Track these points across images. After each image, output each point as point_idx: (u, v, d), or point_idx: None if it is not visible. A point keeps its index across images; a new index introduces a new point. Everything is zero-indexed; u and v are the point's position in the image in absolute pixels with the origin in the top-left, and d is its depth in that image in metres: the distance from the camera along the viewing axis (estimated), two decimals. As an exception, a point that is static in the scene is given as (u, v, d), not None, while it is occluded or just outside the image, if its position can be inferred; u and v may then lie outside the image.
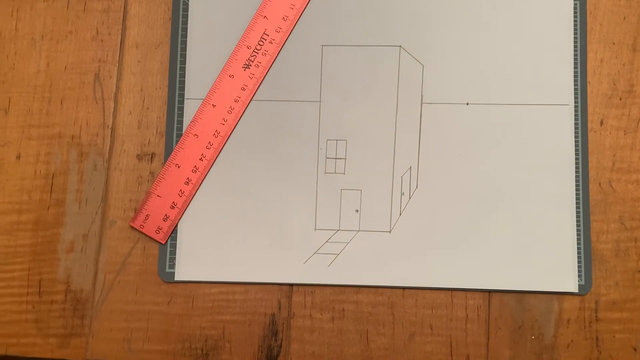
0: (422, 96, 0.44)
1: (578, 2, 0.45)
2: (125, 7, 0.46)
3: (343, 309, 0.43)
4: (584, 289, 0.43)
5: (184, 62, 0.45)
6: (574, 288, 0.43)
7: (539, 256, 0.43)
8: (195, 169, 0.44)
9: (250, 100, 0.45)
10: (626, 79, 0.45)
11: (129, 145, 0.45)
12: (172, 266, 0.43)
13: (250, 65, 0.45)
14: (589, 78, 0.45)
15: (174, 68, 0.45)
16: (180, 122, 0.44)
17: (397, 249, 0.43)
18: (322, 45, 0.45)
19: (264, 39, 0.45)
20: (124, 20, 0.46)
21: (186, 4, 0.45)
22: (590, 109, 0.44)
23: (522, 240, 0.43)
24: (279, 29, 0.45)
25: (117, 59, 0.45)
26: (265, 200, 0.44)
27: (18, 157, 0.44)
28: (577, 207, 0.43)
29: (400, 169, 0.44)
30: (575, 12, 0.45)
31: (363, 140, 0.44)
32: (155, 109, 0.45)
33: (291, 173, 0.44)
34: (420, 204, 0.44)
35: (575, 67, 0.44)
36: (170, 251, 0.43)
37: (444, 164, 0.44)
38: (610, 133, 0.44)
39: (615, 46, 0.45)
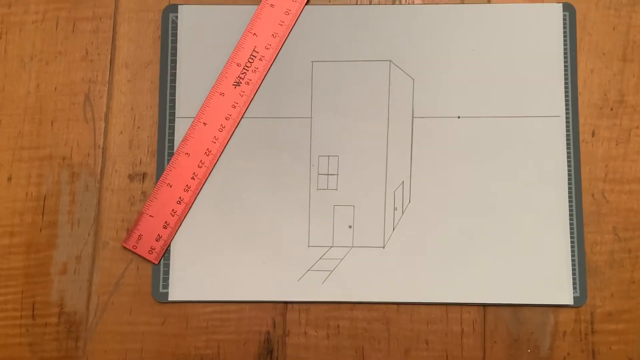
0: (413, 110, 0.44)
1: (567, 13, 0.45)
2: (114, 27, 0.46)
3: (338, 326, 0.43)
4: (579, 300, 0.43)
5: (174, 81, 0.45)
6: (569, 300, 0.42)
7: (534, 269, 0.43)
8: (187, 187, 0.44)
9: (241, 117, 0.44)
10: (617, 89, 0.45)
11: (121, 165, 0.44)
12: (166, 286, 0.43)
13: (241, 83, 0.45)
14: (579, 89, 0.45)
15: (164, 87, 0.45)
16: (172, 141, 0.44)
17: (391, 265, 0.43)
18: (312, 61, 0.45)
19: (253, 56, 0.45)
20: (114, 40, 0.46)
21: (175, 22, 0.45)
22: (581, 120, 0.44)
23: (516, 253, 0.43)
24: (268, 46, 0.45)
25: (107, 79, 0.45)
26: (258, 218, 0.44)
27: (9, 179, 0.44)
28: (571, 219, 0.43)
29: (393, 183, 0.44)
30: (564, 23, 0.45)
31: (355, 155, 0.44)
32: (146, 128, 0.45)
33: (283, 190, 0.44)
34: (413, 219, 0.43)
35: (565, 78, 0.44)
36: (164, 271, 0.43)
37: (437, 178, 0.44)
38: (602, 144, 0.44)
39: (606, 56, 0.45)
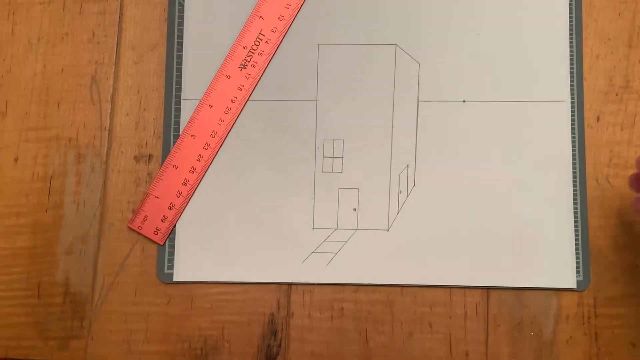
0: (418, 94, 0.44)
1: None
2: (121, 9, 0.46)
3: (342, 308, 0.43)
4: (582, 284, 0.43)
5: (180, 63, 0.45)
6: (573, 284, 0.43)
7: (537, 253, 0.43)
8: (192, 169, 0.44)
9: (247, 100, 0.45)
10: (622, 75, 0.45)
11: (127, 147, 0.45)
12: (171, 267, 0.43)
13: (247, 66, 0.45)
14: (584, 74, 0.45)
15: (170, 69, 0.45)
16: (177, 123, 0.44)
17: (395, 247, 0.43)
18: (318, 45, 0.45)
19: (260, 38, 0.45)
20: (120, 22, 0.46)
21: (182, 5, 0.45)
22: (586, 105, 0.44)
23: (520, 237, 0.43)
24: (274, 29, 0.45)
25: (114, 61, 0.45)
26: (263, 200, 0.44)
27: (16, 160, 0.44)
28: (575, 204, 0.43)
29: (398, 167, 0.44)
30: (570, 8, 0.45)
31: (360, 138, 0.44)
32: (152, 110, 0.45)
33: (288, 172, 0.44)
34: (417, 202, 0.44)
35: (571, 64, 0.44)
36: (169, 252, 0.43)
37: (441, 161, 0.44)
38: (607, 129, 0.44)
39: (611, 42, 0.45)
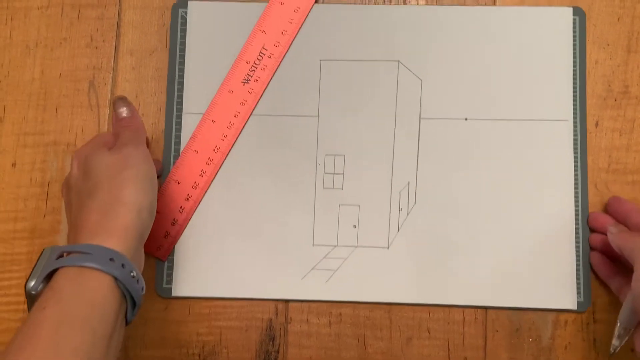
0: (420, 111, 0.44)
1: (577, 18, 0.45)
2: (119, 14, 0.46)
3: (340, 314, 0.43)
4: (583, 305, 0.42)
5: (182, 77, 0.45)
6: (573, 305, 0.42)
7: (537, 273, 0.42)
8: (195, 185, 0.43)
9: (250, 115, 0.44)
10: (621, 80, 0.45)
11: (125, 152, 0.44)
12: (170, 282, 0.43)
13: (250, 80, 0.44)
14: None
15: (172, 83, 0.45)
16: (179, 137, 0.44)
17: (395, 265, 0.43)
18: (320, 60, 0.45)
19: (262, 53, 0.45)
20: (118, 27, 0.46)
21: (184, 18, 0.45)
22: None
23: (521, 257, 0.42)
24: (277, 44, 0.45)
25: (112, 66, 0.45)
26: (264, 215, 0.43)
27: (13, 165, 0.44)
28: (577, 224, 0.43)
29: (399, 184, 0.44)
30: (574, 28, 0.45)
31: (361, 155, 0.44)
32: (151, 115, 0.45)
33: (289, 188, 0.44)
34: (418, 220, 0.43)
35: (574, 83, 0.44)
36: (168, 267, 0.43)
37: (443, 179, 0.43)
38: (605, 134, 0.44)
39: (610, 47, 0.45)
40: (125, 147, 0.38)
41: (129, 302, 0.35)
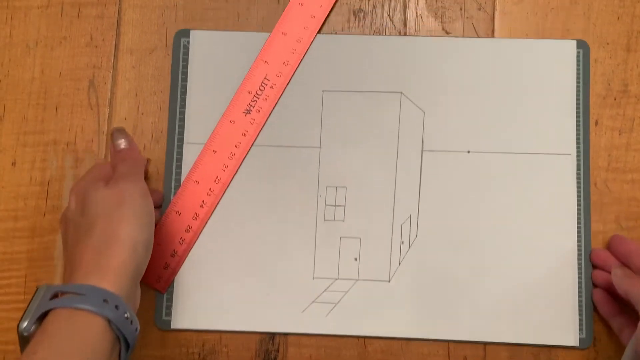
0: (422, 143, 0.44)
1: (581, 51, 0.44)
2: (119, 13, 0.46)
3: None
4: (585, 342, 0.42)
5: (183, 106, 0.44)
6: (575, 342, 0.42)
7: (540, 308, 0.42)
8: (195, 216, 0.43)
9: (251, 146, 0.44)
10: (620, 79, 0.45)
11: (124, 151, 0.45)
12: (169, 314, 0.43)
13: (251, 111, 0.44)
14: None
15: (173, 112, 0.44)
16: (179, 167, 0.44)
17: (396, 299, 0.42)
18: (322, 91, 0.44)
19: (264, 83, 0.44)
20: (118, 25, 0.46)
21: (187, 47, 0.45)
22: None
23: (522, 291, 0.42)
24: (280, 74, 0.44)
25: (112, 65, 0.45)
26: (264, 247, 0.43)
27: (13, 164, 0.44)
28: (579, 259, 0.43)
29: (400, 217, 0.43)
30: (578, 61, 0.44)
31: (363, 187, 0.44)
32: (151, 114, 0.45)
33: (290, 220, 0.43)
34: (420, 254, 0.43)
35: (577, 116, 0.44)
36: (167, 299, 0.43)
37: (445, 212, 0.43)
38: (605, 133, 0.44)
39: (610, 46, 0.45)
40: (122, 181, 0.38)
41: (123, 343, 0.34)
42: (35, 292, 0.35)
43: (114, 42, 0.46)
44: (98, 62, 0.45)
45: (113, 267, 0.34)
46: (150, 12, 0.46)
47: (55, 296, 0.34)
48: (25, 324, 0.33)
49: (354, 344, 0.43)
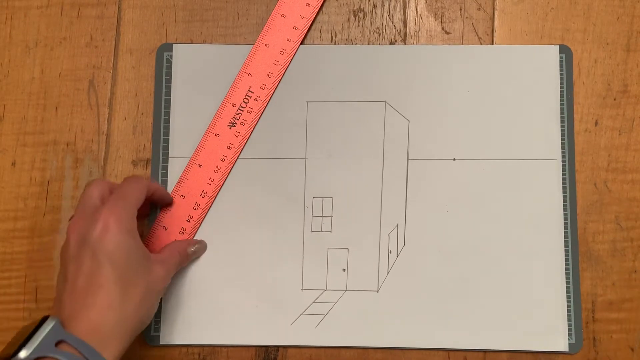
0: (408, 152, 0.44)
1: (564, 56, 0.44)
2: (119, 13, 0.46)
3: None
4: (574, 347, 0.42)
5: (167, 121, 0.44)
6: (564, 347, 0.42)
7: (528, 314, 0.42)
8: (182, 230, 0.43)
9: (237, 158, 0.44)
10: (620, 79, 0.45)
11: (124, 151, 0.45)
12: (158, 329, 0.42)
13: (236, 124, 0.44)
14: (583, 78, 0.45)
15: (157, 127, 0.44)
16: (165, 182, 0.44)
17: (385, 309, 0.42)
18: (307, 102, 0.44)
19: (249, 96, 0.44)
20: (118, 26, 0.46)
21: (169, 62, 0.45)
22: (584, 110, 0.44)
23: (511, 298, 0.42)
24: (263, 86, 0.44)
25: (112, 65, 0.45)
26: (252, 260, 0.43)
27: (13, 164, 0.44)
28: (567, 265, 0.43)
29: (387, 226, 0.43)
30: (561, 68, 0.44)
31: (349, 197, 0.44)
32: (150, 114, 0.45)
33: (277, 232, 0.43)
34: (408, 262, 0.43)
35: (562, 122, 0.44)
36: (155, 314, 0.42)
37: (432, 220, 0.43)
38: (605, 133, 0.44)
39: (609, 46, 0.45)
40: (108, 229, 0.36)
41: None
42: (43, 324, 0.34)
43: (113, 42, 0.46)
44: (98, 62, 0.45)
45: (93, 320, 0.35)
46: (150, 12, 0.46)
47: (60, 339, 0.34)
48: (27, 354, 0.33)
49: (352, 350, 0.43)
